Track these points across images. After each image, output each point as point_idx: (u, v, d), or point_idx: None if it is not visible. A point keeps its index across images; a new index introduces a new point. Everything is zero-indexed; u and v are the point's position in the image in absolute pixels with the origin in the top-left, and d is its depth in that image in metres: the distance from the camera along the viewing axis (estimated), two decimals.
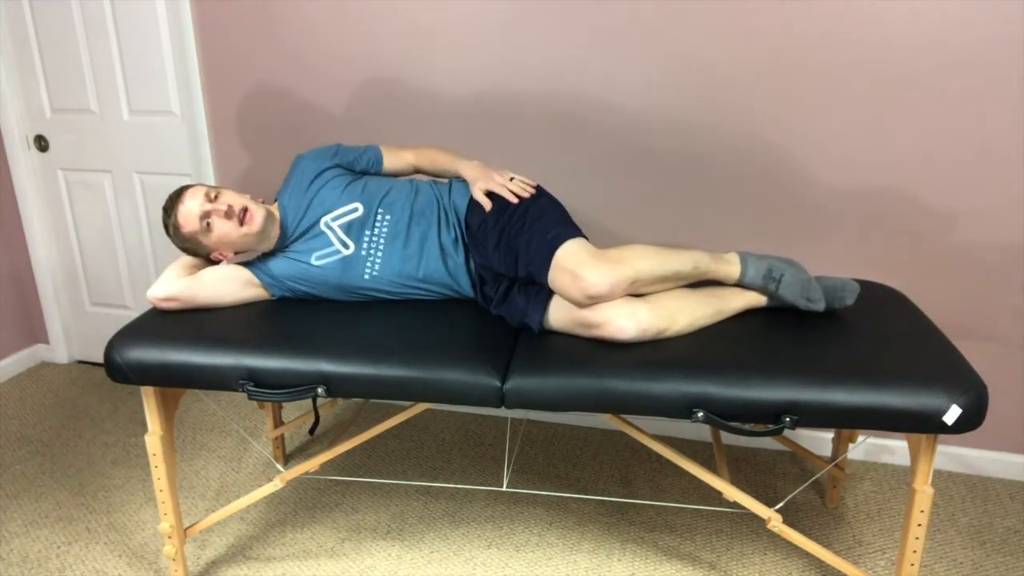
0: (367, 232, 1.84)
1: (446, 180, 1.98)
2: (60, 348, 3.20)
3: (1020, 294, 2.16)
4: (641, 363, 1.55)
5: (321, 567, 2.00)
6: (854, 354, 1.56)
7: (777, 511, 1.83)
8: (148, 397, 1.75)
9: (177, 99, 2.69)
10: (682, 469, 2.21)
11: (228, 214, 1.76)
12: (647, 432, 1.80)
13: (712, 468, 2.40)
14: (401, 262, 1.84)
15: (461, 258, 1.85)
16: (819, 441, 2.48)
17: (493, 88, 2.36)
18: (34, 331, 3.22)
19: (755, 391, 1.49)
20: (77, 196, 2.96)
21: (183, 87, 2.67)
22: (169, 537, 1.85)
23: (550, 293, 1.70)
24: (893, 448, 2.42)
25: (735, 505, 2.16)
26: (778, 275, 1.71)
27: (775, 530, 1.67)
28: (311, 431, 2.33)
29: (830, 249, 2.26)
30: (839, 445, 2.13)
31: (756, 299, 1.76)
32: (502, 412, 2.75)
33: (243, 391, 1.63)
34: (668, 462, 2.44)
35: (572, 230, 1.69)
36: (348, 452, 2.51)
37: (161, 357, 1.65)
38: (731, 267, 1.73)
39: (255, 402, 2.78)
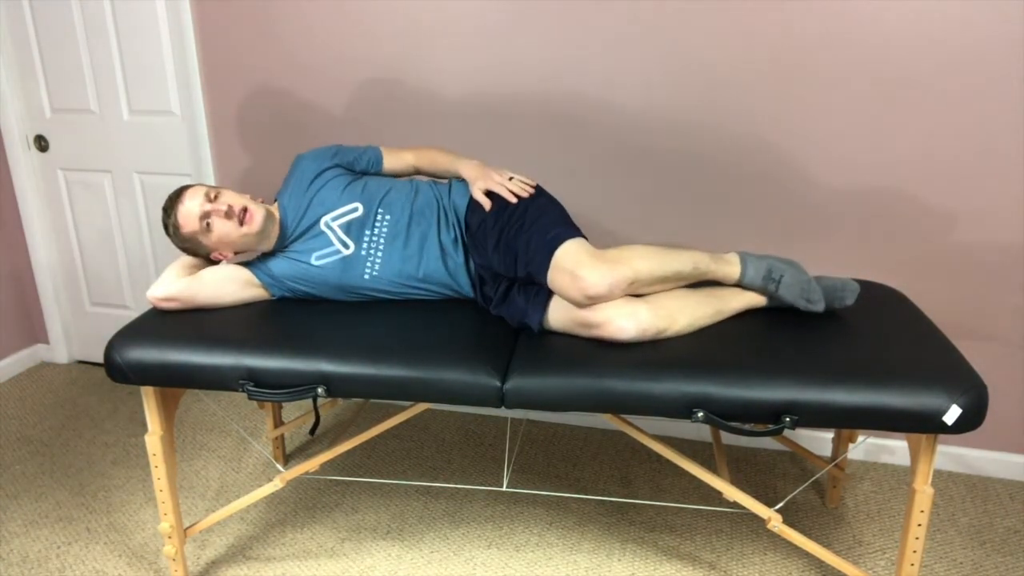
0: (367, 232, 1.84)
1: (446, 180, 1.98)
2: (60, 348, 3.20)
3: (1020, 294, 2.16)
4: (641, 363, 1.55)
5: (321, 567, 2.00)
6: (854, 354, 1.56)
7: (777, 511, 1.83)
8: (148, 397, 1.75)
9: (177, 99, 2.69)
10: (682, 469, 2.21)
11: (228, 214, 1.77)
12: (647, 432, 1.80)
13: (712, 468, 2.40)
14: (401, 262, 1.84)
15: (461, 258, 1.85)
16: (819, 441, 2.48)
17: (493, 88, 2.36)
18: (34, 331, 3.22)
19: (755, 391, 1.49)
20: (77, 196, 2.96)
21: (183, 87, 2.67)
22: (169, 537, 1.85)
23: (550, 293, 1.70)
24: (893, 448, 2.42)
25: (735, 505, 2.16)
26: (778, 276, 1.71)
27: (775, 530, 1.67)
28: (311, 431, 2.33)
29: (830, 249, 2.26)
30: (839, 445, 2.13)
31: (756, 299, 1.76)
32: (502, 412, 2.75)
33: (243, 391, 1.63)
34: (668, 462, 2.44)
35: (571, 230, 1.69)
36: (348, 452, 2.51)
37: (161, 357, 1.65)
38: (731, 267, 1.73)
39: (255, 402, 2.78)
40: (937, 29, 1.99)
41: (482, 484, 2.34)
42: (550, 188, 2.43)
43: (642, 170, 2.33)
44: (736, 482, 2.33)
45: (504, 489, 2.32)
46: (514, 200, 1.79)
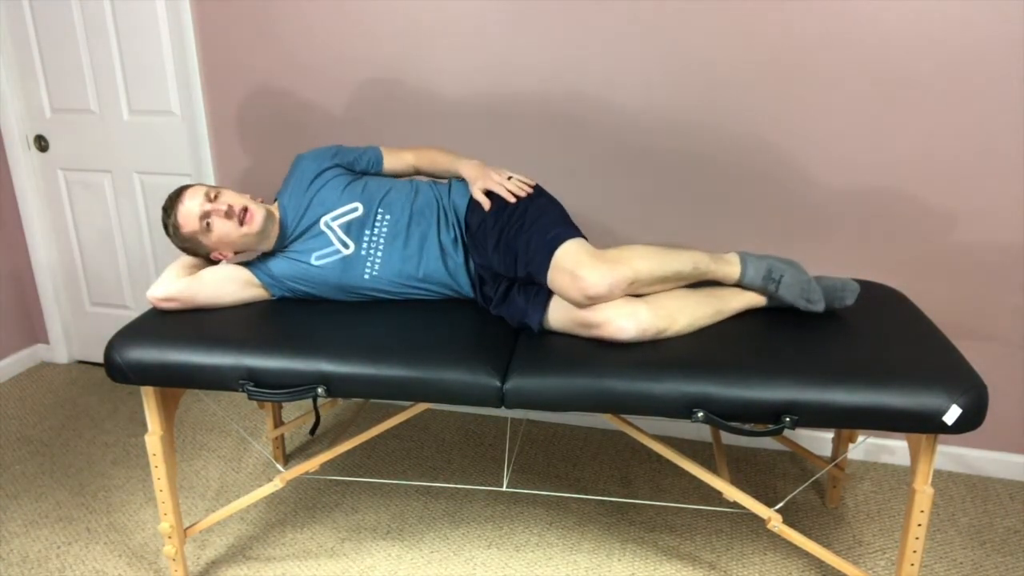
0: (367, 232, 1.84)
1: (446, 180, 1.98)
2: (60, 348, 3.20)
3: (1020, 294, 2.16)
4: (641, 363, 1.55)
5: (321, 567, 2.00)
6: (854, 354, 1.56)
7: (777, 511, 1.83)
8: (148, 397, 1.75)
9: (177, 99, 2.69)
10: (682, 469, 2.21)
11: (228, 214, 1.76)
12: (647, 432, 1.80)
13: (712, 468, 2.40)
14: (401, 262, 1.84)
15: (461, 258, 1.85)
16: (819, 441, 2.48)
17: (493, 88, 2.36)
18: (34, 331, 3.22)
19: (755, 391, 1.49)
20: (77, 196, 2.96)
21: (183, 87, 2.67)
22: (169, 537, 1.85)
23: (550, 293, 1.70)
24: (893, 448, 2.42)
25: (735, 505, 2.16)
26: (778, 276, 1.71)
27: (775, 530, 1.67)
28: (311, 431, 2.33)
29: (830, 249, 2.26)
30: (839, 445, 2.13)
31: (756, 299, 1.76)
32: (502, 412, 2.75)
33: (243, 391, 1.63)
34: (668, 462, 2.44)
35: (571, 230, 1.69)
36: (348, 452, 2.51)
37: (161, 357, 1.65)
38: (731, 267, 1.73)
39: (255, 402, 2.78)
40: (937, 29, 1.99)
41: (482, 484, 2.34)
42: (550, 188, 2.43)
43: (642, 170, 2.33)
44: (736, 482, 2.33)
45: (504, 489, 2.32)
46: (513, 200, 1.79)
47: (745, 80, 2.16)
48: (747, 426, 1.54)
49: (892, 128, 2.11)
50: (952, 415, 1.42)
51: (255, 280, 1.86)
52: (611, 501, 2.24)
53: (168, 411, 1.79)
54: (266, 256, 1.90)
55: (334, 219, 1.85)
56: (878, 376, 1.48)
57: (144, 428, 2.70)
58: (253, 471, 2.43)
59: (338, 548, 2.07)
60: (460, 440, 2.59)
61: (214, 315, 1.79)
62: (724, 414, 1.51)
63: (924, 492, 1.54)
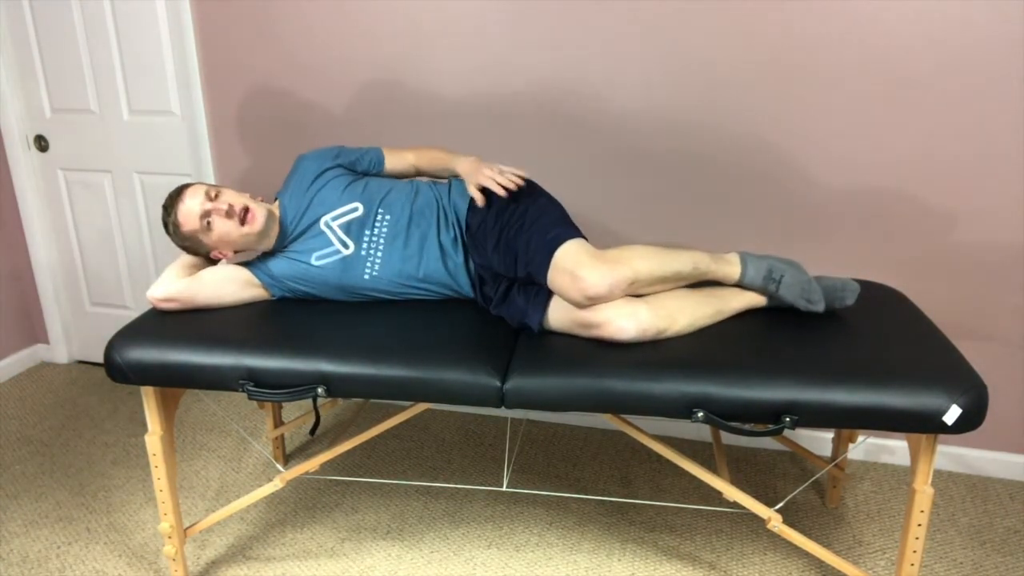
0: (367, 232, 1.84)
1: (446, 180, 1.98)
2: (60, 348, 3.20)
3: (1020, 294, 2.16)
4: (641, 363, 1.55)
5: (321, 567, 2.00)
6: (854, 354, 1.56)
7: (777, 511, 1.83)
8: (148, 397, 1.75)
9: (177, 99, 2.69)
10: (682, 469, 2.21)
11: (229, 213, 1.76)
12: (647, 432, 1.80)
13: (712, 468, 2.40)
14: (401, 262, 1.84)
15: (461, 258, 1.85)
16: (819, 441, 2.48)
17: (493, 88, 2.36)
18: (34, 331, 3.22)
19: (755, 391, 1.49)
20: (77, 196, 2.96)
21: (183, 87, 2.67)
22: (169, 537, 1.85)
23: (550, 293, 1.70)
24: (893, 448, 2.42)
25: (735, 505, 2.16)
26: (778, 276, 1.71)
27: (775, 530, 1.67)
28: (311, 431, 2.33)
29: (830, 249, 2.26)
30: (839, 445, 2.13)
31: (756, 299, 1.76)
32: (502, 412, 2.75)
33: (243, 391, 1.63)
34: (668, 462, 2.44)
35: (571, 230, 1.69)
36: (348, 452, 2.51)
37: (161, 357, 1.65)
38: (731, 267, 1.73)
39: (255, 402, 2.78)
40: (937, 29, 1.99)
41: (482, 484, 2.34)
42: (550, 188, 2.43)
43: (642, 170, 2.33)
44: (736, 482, 2.33)
45: (504, 489, 2.32)
46: (504, 193, 1.78)
47: (745, 80, 2.16)
48: (747, 426, 1.54)
49: (892, 128, 2.11)
50: (952, 415, 1.42)
51: (255, 280, 1.86)
52: (611, 501, 2.24)
53: (168, 411, 1.79)
54: (266, 256, 1.90)
55: (334, 219, 1.85)
56: (878, 376, 1.48)
57: (144, 428, 2.70)
58: (253, 471, 2.43)
59: (338, 548, 2.07)
60: (460, 440, 2.59)
61: (214, 315, 1.79)
62: (724, 414, 1.51)
63: (924, 492, 1.54)
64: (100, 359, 3.21)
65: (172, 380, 1.67)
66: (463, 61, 2.36)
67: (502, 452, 2.51)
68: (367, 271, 1.84)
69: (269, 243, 1.87)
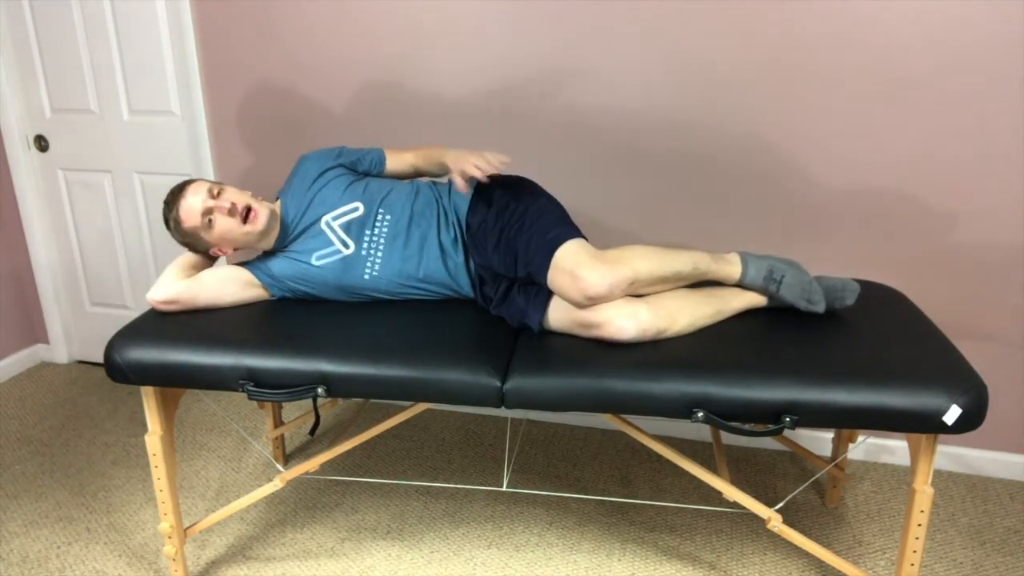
0: (367, 232, 1.84)
1: (446, 181, 1.98)
2: (60, 348, 3.20)
3: (1020, 294, 2.16)
4: (641, 363, 1.55)
5: (321, 567, 2.00)
6: (854, 354, 1.56)
7: (777, 511, 1.83)
8: (148, 397, 1.75)
9: (177, 99, 2.69)
10: (682, 469, 2.21)
11: (231, 212, 1.76)
12: (647, 432, 1.80)
13: (712, 468, 2.40)
14: (401, 262, 1.84)
15: (461, 258, 1.85)
16: (819, 441, 2.48)
17: (493, 88, 2.36)
18: (34, 331, 3.22)
19: (755, 391, 1.49)
20: (77, 196, 2.96)
21: (183, 87, 2.67)
22: (169, 537, 1.85)
23: (550, 293, 1.70)
24: (893, 448, 2.42)
25: (735, 505, 2.16)
26: (779, 276, 1.71)
27: (775, 530, 1.67)
28: (311, 431, 2.33)
29: (830, 249, 2.26)
30: (839, 445, 2.13)
31: (756, 299, 1.76)
32: (502, 412, 2.75)
33: (243, 391, 1.63)
34: (668, 462, 2.44)
35: (571, 230, 1.69)
36: (348, 452, 2.51)
37: (161, 357, 1.65)
38: (732, 267, 1.73)
39: (255, 402, 2.78)
40: (937, 29, 1.99)
41: (482, 484, 2.34)
42: (550, 188, 2.43)
43: (642, 170, 2.33)
44: (736, 482, 2.33)
45: (504, 489, 2.32)
46: (485, 179, 1.77)
47: (745, 80, 2.16)
48: (747, 426, 1.54)
49: (892, 128, 2.11)
50: (952, 415, 1.42)
51: (255, 280, 1.86)
52: (611, 501, 2.24)
53: (168, 411, 1.79)
54: (266, 256, 1.90)
55: (334, 219, 1.85)
56: (878, 376, 1.48)
57: (144, 428, 2.70)
58: (253, 471, 2.43)
59: (338, 548, 2.07)
60: (460, 440, 2.59)
61: (214, 315, 1.79)
62: (724, 414, 1.51)
63: (924, 492, 1.54)
64: (100, 359, 3.21)
65: (172, 380, 1.67)
66: (463, 61, 2.36)
67: (502, 452, 2.51)
68: (367, 271, 1.84)
69: (269, 242, 1.87)
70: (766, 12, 2.09)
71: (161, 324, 1.74)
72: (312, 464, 1.83)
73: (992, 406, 2.29)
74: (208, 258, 1.91)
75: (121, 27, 2.65)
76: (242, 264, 1.90)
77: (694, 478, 2.36)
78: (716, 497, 2.25)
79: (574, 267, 1.58)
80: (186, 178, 2.80)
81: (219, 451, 2.55)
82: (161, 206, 2.88)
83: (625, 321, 1.58)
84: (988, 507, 2.21)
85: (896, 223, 2.19)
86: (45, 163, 2.94)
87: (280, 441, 2.41)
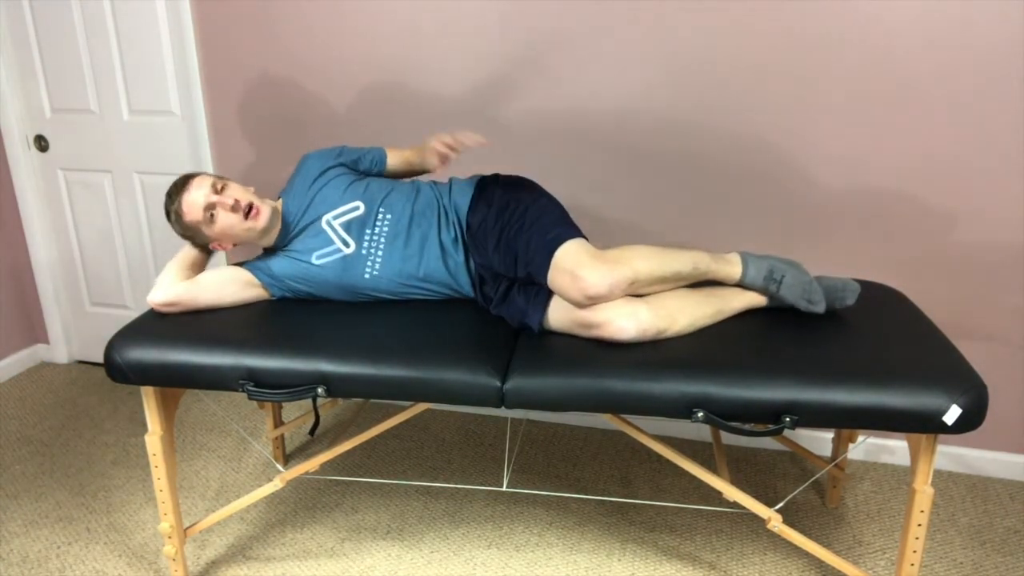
0: (368, 231, 1.84)
1: (446, 180, 1.98)
2: (60, 348, 3.20)
3: (1020, 294, 2.16)
4: (641, 363, 1.55)
5: (321, 567, 2.00)
6: (854, 354, 1.56)
7: (777, 511, 1.83)
8: (148, 397, 1.75)
9: (177, 99, 2.69)
10: (682, 469, 2.21)
11: (235, 208, 1.76)
12: (647, 432, 1.80)
13: (712, 468, 2.40)
14: (401, 261, 1.84)
15: (461, 257, 1.85)
16: (819, 441, 2.48)
17: (493, 88, 2.36)
18: (34, 331, 3.22)
19: (755, 391, 1.49)
20: (77, 196, 2.96)
21: (183, 87, 2.67)
22: (169, 537, 1.85)
23: (550, 293, 1.70)
24: (893, 448, 2.42)
25: (735, 505, 2.16)
26: (779, 276, 1.71)
27: (775, 530, 1.67)
28: (311, 431, 2.33)
29: (830, 249, 2.26)
30: (839, 445, 2.13)
31: (756, 299, 1.76)
32: (502, 412, 2.75)
33: (243, 391, 1.63)
34: (668, 462, 2.44)
35: (572, 230, 1.69)
36: (348, 452, 2.51)
37: (161, 357, 1.65)
38: (732, 267, 1.73)
39: (255, 402, 2.78)
40: (937, 29, 1.99)
41: (482, 484, 2.34)
42: (550, 188, 2.43)
43: (642, 170, 2.33)
44: (736, 482, 2.33)
45: (504, 489, 2.32)
46: (455, 156, 1.78)
47: (745, 80, 2.16)
48: (747, 426, 1.54)
49: (892, 128, 2.11)
50: (952, 415, 1.42)
51: (255, 280, 1.86)
52: (611, 501, 2.24)
53: (168, 411, 1.79)
54: (266, 255, 1.90)
55: (335, 217, 1.85)
56: (878, 376, 1.47)
57: (144, 428, 2.70)
58: (253, 471, 2.43)
59: (338, 548, 2.07)
60: (460, 440, 2.59)
61: (214, 315, 1.79)
62: (724, 414, 1.51)
63: (924, 492, 1.54)
64: (100, 359, 3.21)
65: (172, 380, 1.67)
66: (463, 61, 2.36)
67: (502, 452, 2.51)
68: (367, 270, 1.84)
69: (270, 240, 1.87)
70: (766, 12, 2.09)
71: (161, 324, 1.74)
72: (312, 464, 1.83)
73: (992, 406, 2.29)
74: (207, 252, 1.91)
75: (121, 27, 2.65)
76: (242, 264, 1.90)
77: (694, 478, 2.36)
78: (716, 497, 2.25)
79: (574, 267, 1.58)
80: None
81: (219, 451, 2.55)
82: (161, 206, 2.88)
83: (625, 321, 1.58)
84: (988, 507, 2.21)
85: (896, 223, 2.19)
86: (45, 163, 2.94)
87: (280, 441, 2.41)
